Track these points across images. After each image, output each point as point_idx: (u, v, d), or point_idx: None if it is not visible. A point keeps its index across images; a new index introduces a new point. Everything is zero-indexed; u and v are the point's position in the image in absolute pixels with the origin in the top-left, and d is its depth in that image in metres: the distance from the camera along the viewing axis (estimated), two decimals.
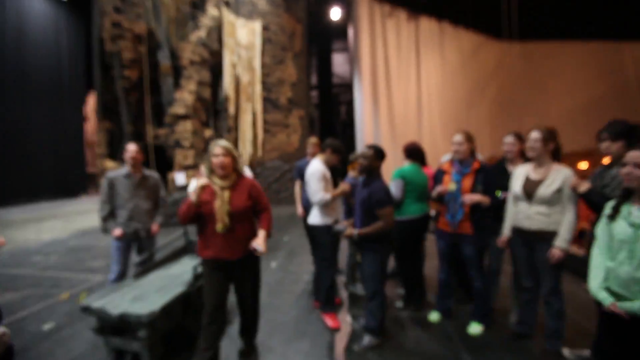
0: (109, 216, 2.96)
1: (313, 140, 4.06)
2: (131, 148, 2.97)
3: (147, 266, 2.92)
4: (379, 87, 9.54)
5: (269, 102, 10.32)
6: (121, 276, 3.01)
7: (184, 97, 7.57)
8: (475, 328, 2.59)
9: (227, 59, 8.52)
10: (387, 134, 9.42)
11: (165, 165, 7.95)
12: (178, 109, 7.55)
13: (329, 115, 14.79)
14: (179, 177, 8.06)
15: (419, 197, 2.94)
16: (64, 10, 13.73)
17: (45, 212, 10.32)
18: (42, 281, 4.32)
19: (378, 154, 2.43)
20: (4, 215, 9.59)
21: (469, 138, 2.51)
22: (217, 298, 2.13)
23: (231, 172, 2.11)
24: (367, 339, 2.45)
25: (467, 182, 2.47)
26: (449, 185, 2.53)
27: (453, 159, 2.61)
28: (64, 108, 13.77)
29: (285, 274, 4.24)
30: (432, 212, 3.06)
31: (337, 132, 15.73)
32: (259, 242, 2.02)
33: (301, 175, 3.58)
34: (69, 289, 3.99)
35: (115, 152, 7.86)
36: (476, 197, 2.39)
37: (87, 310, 2.35)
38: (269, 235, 2.15)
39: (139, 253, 3.11)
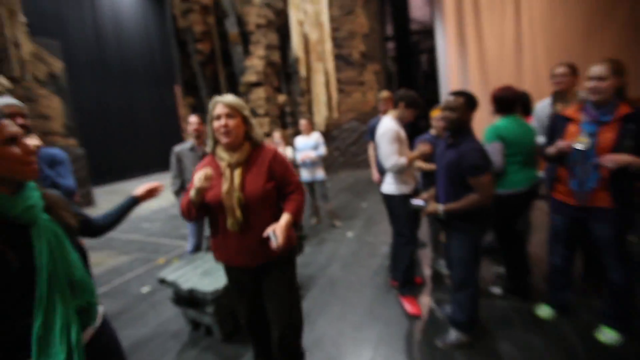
0: (181, 190, 3.00)
1: (384, 94, 3.51)
2: (193, 120, 2.91)
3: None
4: (465, 27, 8.07)
5: (340, 59, 9.68)
6: (197, 248, 3.09)
7: (254, 64, 7.47)
8: (607, 335, 1.92)
9: (293, 17, 8.07)
10: (477, 81, 8.06)
11: None
12: (250, 77, 7.52)
13: (408, 67, 13.43)
14: None
15: (526, 162, 2.24)
16: (150, 1, 14.79)
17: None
18: (146, 246, 4.85)
19: (469, 102, 1.82)
20: (123, 187, 11.25)
21: (618, 70, 1.71)
22: (248, 312, 1.64)
23: (242, 140, 1.49)
24: (453, 335, 2.02)
25: (608, 135, 1.71)
26: (577, 139, 1.81)
27: (585, 101, 1.84)
28: (160, 89, 15.20)
29: (361, 245, 3.95)
30: (541, 174, 2.34)
31: (419, 85, 14.30)
32: (277, 231, 1.37)
33: (374, 135, 3.12)
34: (165, 254, 4.38)
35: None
36: (623, 158, 1.64)
37: (163, 282, 2.42)
38: (297, 221, 1.52)
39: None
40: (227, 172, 1.45)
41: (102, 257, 4.55)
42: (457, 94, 1.83)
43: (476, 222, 1.83)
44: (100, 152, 11.83)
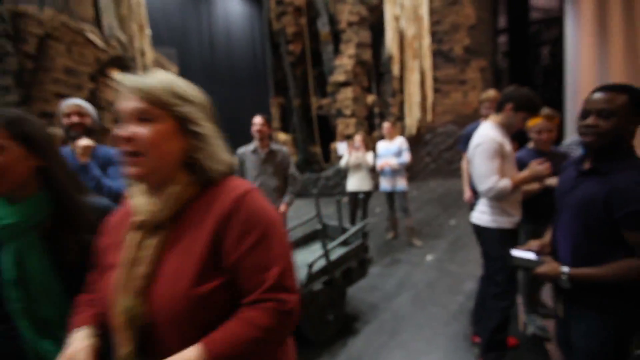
0: None
1: (490, 94, 2.83)
2: (256, 121, 2.75)
3: None
4: (609, 9, 6.37)
5: (439, 56, 8.76)
6: None
7: (344, 63, 7.22)
8: None
9: (389, 12, 7.54)
10: (623, 78, 6.30)
11: (329, 135, 8.02)
12: (338, 76, 7.30)
13: (523, 62, 11.50)
14: (341, 147, 8.00)
15: None
16: (255, 7, 16.03)
17: None
18: None
19: (636, 103, 1.11)
20: None
21: None
22: None
23: (172, 172, 0.71)
24: None
25: None
26: None
27: None
28: (258, 90, 16.36)
29: (441, 274, 3.31)
30: None
31: (536, 82, 12.15)
32: None
33: (467, 144, 2.53)
34: None
35: (287, 126, 8.46)
36: None
37: None
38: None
39: None
40: (133, 241, 0.69)
41: None
42: (615, 88, 1.13)
43: (628, 302, 1.15)
44: None
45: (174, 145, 0.70)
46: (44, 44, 5.12)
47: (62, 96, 4.37)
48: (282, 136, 8.23)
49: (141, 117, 0.67)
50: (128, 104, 0.68)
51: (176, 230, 0.70)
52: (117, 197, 1.78)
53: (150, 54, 7.83)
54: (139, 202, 0.72)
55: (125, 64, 6.39)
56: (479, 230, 1.93)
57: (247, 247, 0.67)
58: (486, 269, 1.97)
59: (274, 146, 2.85)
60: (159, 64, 8.30)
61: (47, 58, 5.14)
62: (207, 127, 0.72)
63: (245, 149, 2.85)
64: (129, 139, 0.67)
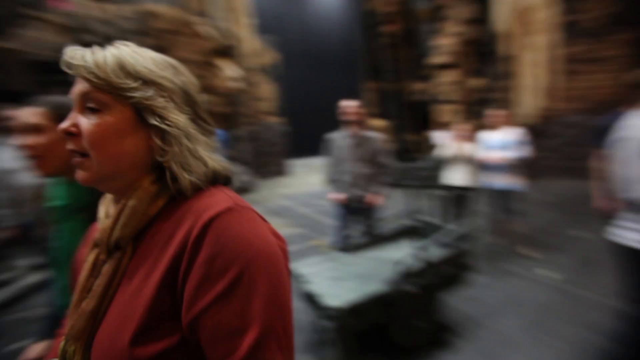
0: (333, 179, 2.81)
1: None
2: (347, 105, 2.59)
3: (362, 241, 2.66)
4: None
5: (568, 29, 7.26)
6: (340, 245, 2.83)
7: (445, 43, 6.51)
8: None
9: None
10: None
11: (427, 123, 7.43)
12: (438, 58, 6.64)
13: None
14: (439, 136, 7.35)
15: None
16: None
17: None
18: (312, 223, 5.08)
19: None
20: (315, 162, 12.46)
21: None
22: None
23: (134, 174, 0.52)
24: None
25: None
26: None
27: None
28: (350, 74, 16.23)
29: (560, 296, 2.71)
30: None
31: None
32: None
33: (602, 140, 1.93)
34: (321, 235, 4.41)
35: (383, 112, 8.15)
36: None
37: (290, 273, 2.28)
38: None
39: (359, 223, 2.83)
40: (88, 263, 0.54)
41: (276, 224, 5.05)
42: None
43: None
44: (302, 130, 13.82)
45: (130, 144, 0.50)
46: (164, 38, 5.73)
47: None
48: (377, 123, 7.94)
49: (87, 105, 0.50)
50: (76, 87, 0.51)
51: (136, 256, 0.50)
52: None
53: (251, 42, 8.28)
54: (101, 213, 0.56)
55: (228, 52, 6.84)
56: (625, 253, 1.45)
57: (212, 297, 0.44)
58: (635, 302, 1.47)
59: (366, 133, 2.69)
60: (261, 51, 8.74)
61: (167, 50, 5.75)
62: (178, 120, 0.51)
63: (337, 135, 2.75)
64: (69, 134, 0.50)
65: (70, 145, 0.51)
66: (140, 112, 0.50)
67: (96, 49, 0.51)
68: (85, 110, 0.50)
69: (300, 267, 2.30)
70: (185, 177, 0.50)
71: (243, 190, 6.78)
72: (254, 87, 8.52)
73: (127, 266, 0.50)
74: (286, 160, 9.85)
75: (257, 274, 0.45)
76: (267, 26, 11.45)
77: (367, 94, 8.38)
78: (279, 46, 9.53)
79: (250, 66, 8.24)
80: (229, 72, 7.07)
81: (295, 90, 13.72)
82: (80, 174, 0.51)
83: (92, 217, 0.72)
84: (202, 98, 0.57)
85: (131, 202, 0.51)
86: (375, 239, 2.66)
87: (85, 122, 0.49)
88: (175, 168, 0.50)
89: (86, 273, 0.53)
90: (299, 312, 2.47)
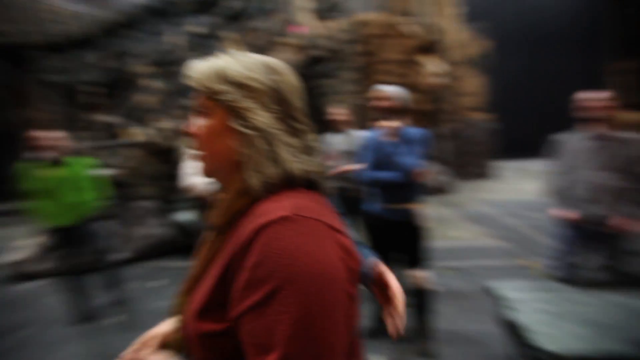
0: (561, 191, 2.22)
1: None
2: (590, 97, 1.96)
3: (599, 277, 2.11)
4: None
5: None
6: (562, 274, 2.24)
7: None
8: None
9: None
10: None
11: None
12: None
13: None
14: None
15: None
16: None
17: None
18: (519, 238, 4.33)
19: None
20: (531, 166, 10.46)
21: None
22: None
23: (228, 174, 0.57)
24: None
25: None
26: None
27: None
28: (585, 54, 12.66)
29: None
30: None
31: None
32: None
33: None
34: (532, 255, 3.66)
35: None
36: None
37: (488, 292, 2.02)
38: None
39: (596, 252, 2.15)
40: (206, 237, 0.61)
41: (465, 232, 4.56)
42: None
43: None
44: (517, 128, 11.93)
45: (224, 144, 0.55)
46: (372, 42, 6.16)
47: (385, 84, 5.22)
48: (630, 116, 5.84)
49: (199, 110, 0.57)
50: (194, 95, 0.58)
51: (225, 243, 0.54)
52: (407, 173, 1.83)
53: (457, 33, 7.73)
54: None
55: (432, 48, 6.64)
56: None
57: (249, 304, 0.44)
58: None
59: (617, 133, 1.97)
60: (468, 41, 8.06)
61: (374, 53, 6.17)
62: (259, 121, 0.53)
63: (569, 135, 2.15)
64: (189, 135, 0.59)
65: (194, 145, 0.59)
66: (232, 109, 0.54)
67: (205, 61, 0.57)
68: (199, 114, 0.58)
69: (505, 288, 1.96)
70: (252, 178, 0.52)
71: (439, 190, 6.45)
72: (458, 82, 7.95)
73: (218, 249, 0.55)
74: (493, 162, 8.73)
75: (292, 294, 0.42)
76: (477, 12, 10.39)
77: (616, 78, 6.24)
78: (492, 33, 8.47)
79: (455, 59, 7.72)
80: (431, 67, 6.88)
81: (510, 81, 11.96)
82: (201, 168, 0.60)
83: None
84: (298, 98, 0.58)
85: (223, 196, 0.57)
86: (621, 279, 2.00)
87: (196, 125, 0.58)
88: (247, 168, 0.53)
89: (203, 245, 0.60)
90: (492, 338, 2.13)
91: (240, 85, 0.54)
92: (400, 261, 2.10)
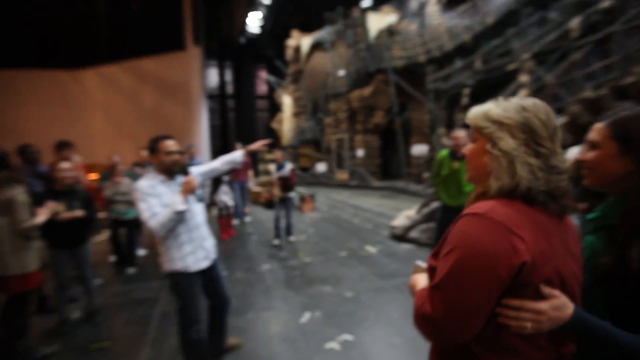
0: None
1: None
2: None
3: None
4: None
5: None
6: None
7: None
8: None
9: None
10: None
11: None
12: None
13: None
14: None
15: None
16: None
17: None
18: None
19: None
20: None
21: None
22: None
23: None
24: None
25: None
26: None
27: None
28: None
29: None
30: None
31: None
32: None
33: None
34: None
35: None
36: None
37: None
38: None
39: None
40: None
41: None
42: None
43: None
44: None
45: (482, 161, 0.80)
46: None
47: None
48: None
49: (472, 138, 0.85)
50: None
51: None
52: None
53: None
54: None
55: None
56: None
57: (442, 254, 0.77)
58: None
59: None
60: None
61: None
62: (506, 145, 0.75)
63: None
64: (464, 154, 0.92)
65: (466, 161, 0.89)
66: (488, 141, 0.79)
67: (478, 107, 0.84)
68: (472, 141, 0.85)
69: None
70: (492, 184, 0.77)
71: None
72: None
73: None
74: None
75: (456, 254, 0.71)
76: None
77: None
78: None
79: None
80: None
81: None
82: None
83: (621, 236, 0.81)
84: (545, 129, 0.75)
85: (473, 194, 0.85)
86: None
87: (467, 148, 0.87)
88: (491, 178, 0.78)
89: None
90: None
91: (497, 122, 0.78)
92: None
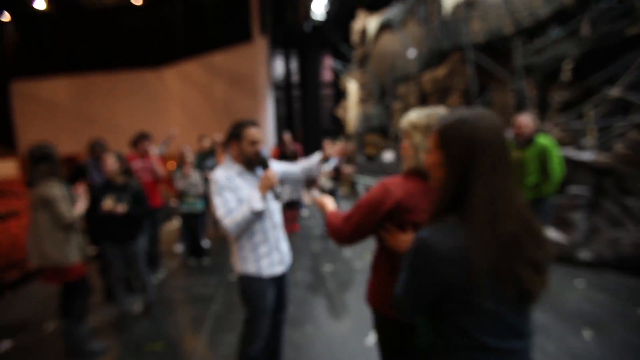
0: None
1: None
2: None
3: None
4: None
5: None
6: None
7: None
8: None
9: None
10: None
11: None
12: None
13: None
14: None
15: None
16: None
17: None
18: None
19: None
20: None
21: None
22: None
23: None
24: None
25: None
26: None
27: None
28: None
29: None
30: None
31: None
32: None
33: None
34: None
35: None
36: None
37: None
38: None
39: None
40: None
41: None
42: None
43: None
44: None
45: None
46: None
47: None
48: None
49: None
50: None
51: None
52: None
53: None
54: None
55: None
56: None
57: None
58: None
59: None
60: None
61: None
62: (415, 140, 1.24)
63: None
64: None
65: None
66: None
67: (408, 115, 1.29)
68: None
69: None
70: (408, 164, 1.29)
71: None
72: None
73: None
74: None
75: (363, 200, 1.29)
76: None
77: None
78: None
79: None
80: None
81: None
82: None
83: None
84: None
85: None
86: None
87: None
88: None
89: None
90: None
91: (413, 126, 1.25)
92: None
